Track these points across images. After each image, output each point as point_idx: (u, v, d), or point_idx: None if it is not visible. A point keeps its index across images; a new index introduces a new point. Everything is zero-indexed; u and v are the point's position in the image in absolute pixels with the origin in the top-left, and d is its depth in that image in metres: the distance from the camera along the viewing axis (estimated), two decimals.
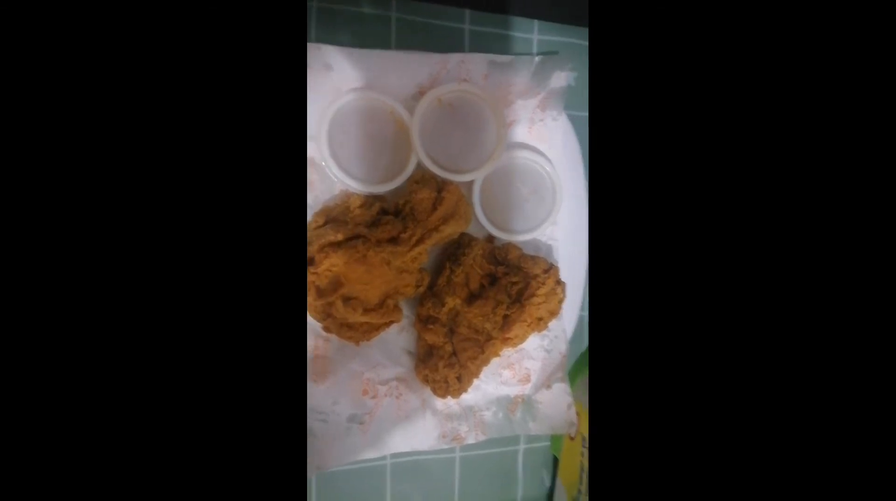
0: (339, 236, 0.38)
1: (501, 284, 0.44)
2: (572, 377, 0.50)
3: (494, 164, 0.45)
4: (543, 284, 0.44)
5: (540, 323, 0.45)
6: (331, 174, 0.42)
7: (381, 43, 0.43)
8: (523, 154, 0.46)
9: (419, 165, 0.43)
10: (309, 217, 0.41)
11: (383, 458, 0.46)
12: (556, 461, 0.51)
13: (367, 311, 0.39)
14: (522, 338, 0.46)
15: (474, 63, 0.44)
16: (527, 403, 0.48)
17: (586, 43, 0.49)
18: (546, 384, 0.48)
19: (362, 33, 0.42)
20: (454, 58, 0.44)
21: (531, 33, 0.48)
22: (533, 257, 0.45)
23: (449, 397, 0.44)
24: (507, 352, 0.47)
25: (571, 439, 0.49)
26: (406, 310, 0.44)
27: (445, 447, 0.45)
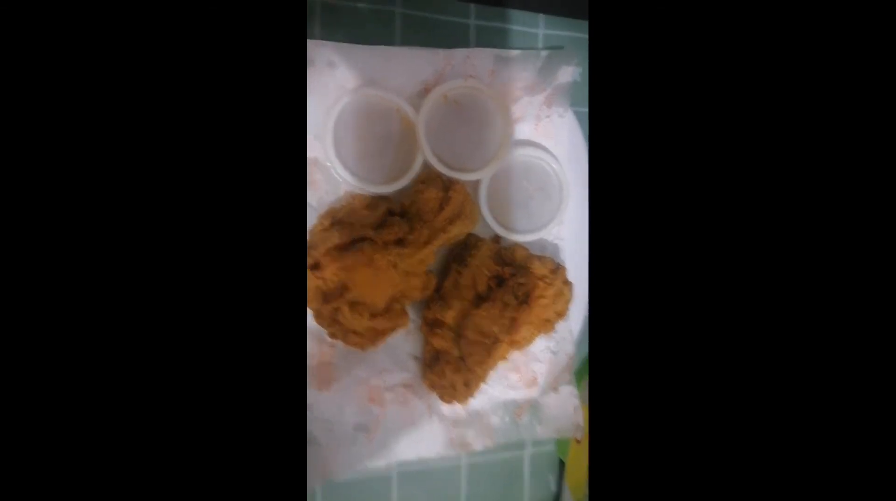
0: (346, 239, 0.36)
1: (508, 285, 0.43)
2: (578, 378, 0.49)
3: (501, 162, 0.44)
4: (551, 285, 0.43)
5: (547, 325, 0.45)
6: (336, 175, 0.40)
7: (386, 40, 0.42)
8: (529, 152, 0.46)
9: (425, 165, 0.42)
10: (314, 219, 0.40)
11: (389, 465, 0.45)
12: (562, 464, 0.51)
13: (373, 316, 0.38)
14: (529, 340, 0.45)
15: (480, 58, 0.43)
16: (533, 406, 0.47)
17: None
18: (553, 386, 0.48)
19: (366, 30, 0.41)
20: (460, 53, 0.43)
21: (536, 28, 0.47)
22: (540, 258, 0.44)
23: (456, 402, 0.43)
24: (514, 355, 0.46)
25: (578, 442, 0.48)
26: (411, 314, 0.43)
27: (452, 454, 0.44)
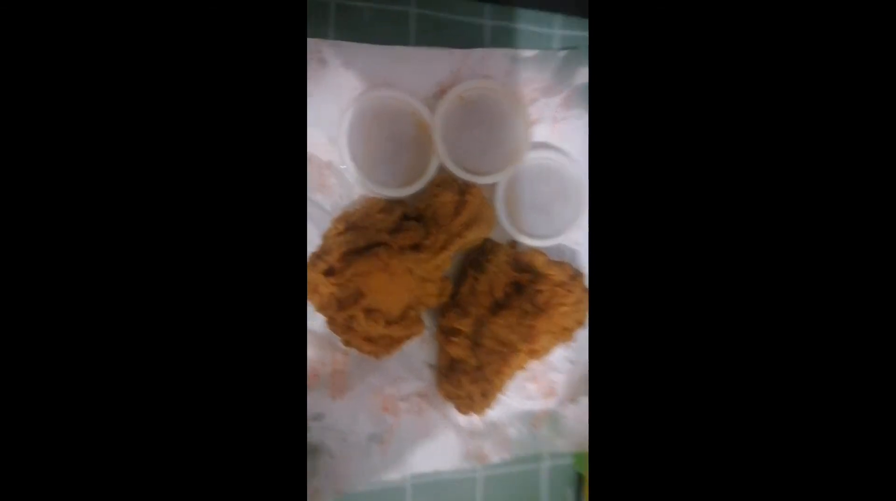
0: (360, 244, 0.35)
1: (527, 292, 0.42)
2: None
3: (518, 165, 0.43)
4: (571, 292, 0.42)
5: (566, 333, 0.43)
6: (350, 178, 0.39)
7: (399, 40, 0.41)
8: (547, 154, 0.44)
9: (441, 167, 0.41)
10: (328, 224, 0.39)
11: (404, 477, 0.44)
12: (580, 478, 0.49)
13: (389, 323, 0.37)
14: (548, 349, 0.43)
15: (496, 59, 0.42)
16: (552, 418, 0.46)
17: None
18: (571, 397, 0.46)
19: (380, 31, 0.40)
20: (476, 53, 0.42)
21: (552, 28, 0.46)
22: (559, 264, 0.43)
23: (473, 413, 0.41)
24: (531, 364, 0.45)
25: None
26: (426, 321, 0.42)
27: (468, 466, 0.43)
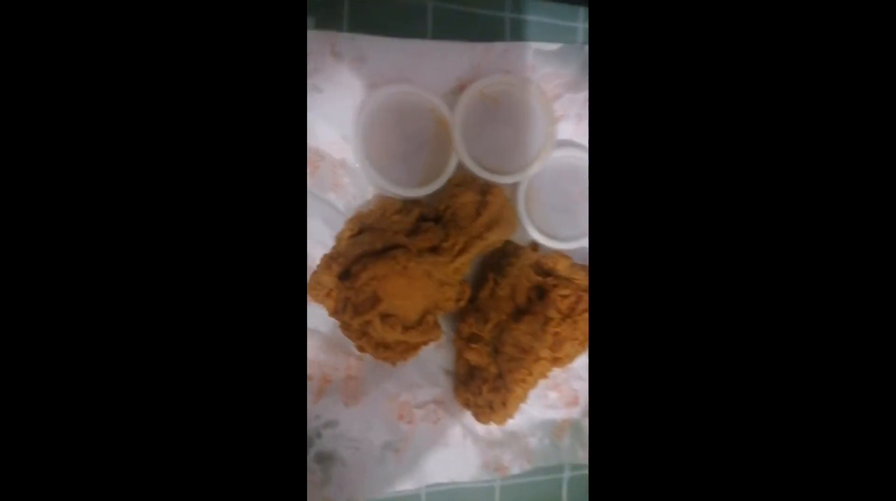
0: (376, 246, 0.34)
1: (551, 298, 0.40)
2: None
3: (541, 163, 0.41)
4: None
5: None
6: (365, 177, 0.38)
7: (417, 33, 0.40)
8: (571, 153, 0.43)
9: (460, 166, 0.39)
10: (341, 225, 0.37)
11: (419, 487, 0.42)
12: None
13: (406, 329, 0.35)
14: (572, 357, 0.41)
15: (518, 53, 0.41)
16: (575, 428, 0.44)
17: None
18: None
19: (396, 24, 0.39)
20: (497, 47, 0.40)
21: (577, 21, 0.44)
22: (583, 267, 0.41)
23: (493, 423, 0.40)
24: (554, 372, 0.43)
25: None
26: (443, 326, 0.40)
27: (487, 477, 0.41)
